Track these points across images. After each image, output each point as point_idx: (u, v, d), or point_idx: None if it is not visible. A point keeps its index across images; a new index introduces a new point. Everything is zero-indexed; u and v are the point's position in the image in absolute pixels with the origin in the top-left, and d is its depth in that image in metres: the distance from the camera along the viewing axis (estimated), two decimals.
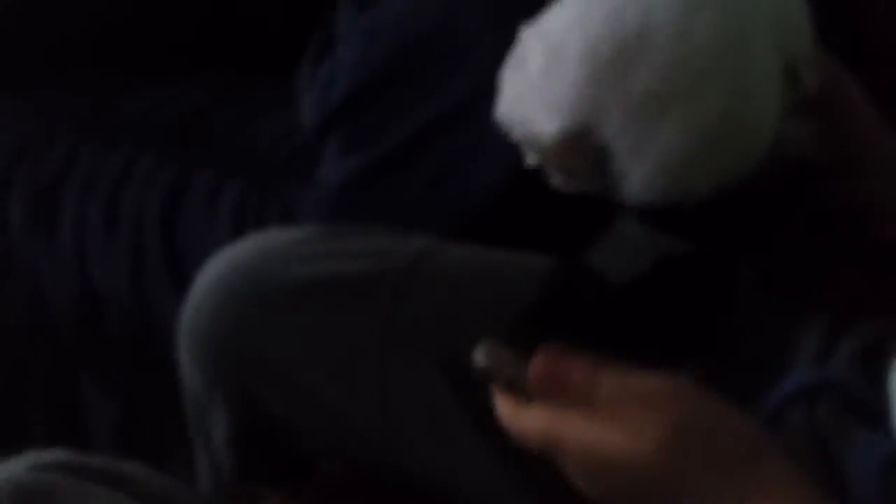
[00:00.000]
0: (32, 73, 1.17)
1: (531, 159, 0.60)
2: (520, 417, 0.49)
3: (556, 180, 0.60)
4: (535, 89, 0.57)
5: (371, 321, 0.64)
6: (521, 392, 0.49)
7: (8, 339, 1.12)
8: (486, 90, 0.76)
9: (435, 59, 0.77)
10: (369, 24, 0.79)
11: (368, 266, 0.65)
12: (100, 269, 1.02)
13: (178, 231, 0.99)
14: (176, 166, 1.01)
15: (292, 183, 0.92)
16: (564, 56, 0.55)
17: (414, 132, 0.78)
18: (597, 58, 0.54)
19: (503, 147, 0.75)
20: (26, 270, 1.08)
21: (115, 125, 1.10)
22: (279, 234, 0.68)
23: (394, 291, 0.65)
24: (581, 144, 0.56)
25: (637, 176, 0.55)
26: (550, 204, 0.71)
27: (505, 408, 0.49)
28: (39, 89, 1.14)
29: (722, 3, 0.55)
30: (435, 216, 0.80)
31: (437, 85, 0.77)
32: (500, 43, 0.75)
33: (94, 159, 1.06)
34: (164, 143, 1.05)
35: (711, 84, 0.53)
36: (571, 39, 0.55)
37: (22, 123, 1.12)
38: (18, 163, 1.09)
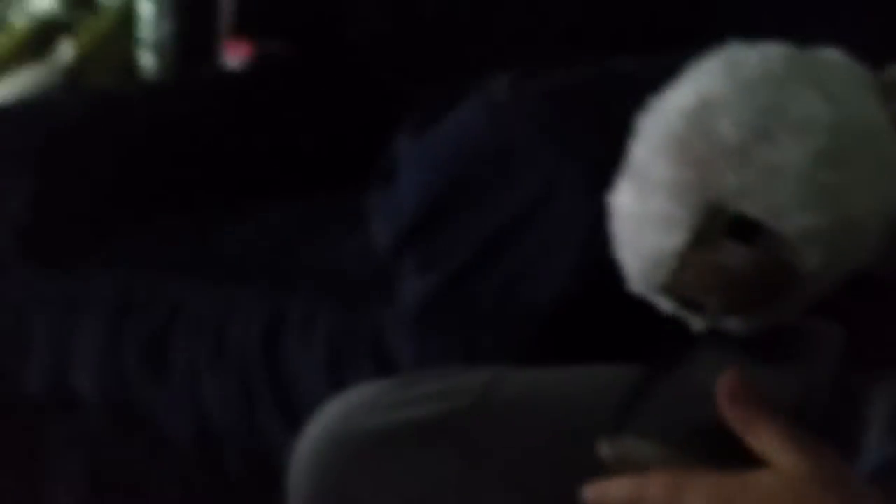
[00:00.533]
0: (126, 223, 1.24)
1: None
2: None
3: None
4: (636, 219, 0.58)
5: (444, 462, 0.67)
6: None
7: (136, 482, 1.18)
8: (542, 199, 0.79)
9: (490, 176, 0.80)
10: (425, 150, 0.83)
11: (438, 409, 0.68)
12: (213, 407, 1.07)
13: (280, 362, 1.03)
14: (271, 299, 1.07)
15: (378, 302, 0.96)
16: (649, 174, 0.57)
17: (480, 247, 0.82)
18: (675, 145, 0.55)
19: (566, 252, 0.78)
20: (146, 416, 1.14)
21: (211, 266, 1.16)
22: (365, 389, 0.73)
23: (462, 430, 0.67)
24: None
25: (791, 221, 0.54)
26: (623, 309, 0.73)
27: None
28: (133, 240, 1.21)
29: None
30: (510, 323, 0.82)
31: (496, 200, 0.80)
32: (548, 152, 0.78)
33: (197, 302, 1.12)
34: (258, 277, 1.11)
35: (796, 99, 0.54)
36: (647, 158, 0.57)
37: (122, 276, 1.18)
38: (126, 314, 1.16)
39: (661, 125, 0.57)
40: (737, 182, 0.53)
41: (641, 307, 0.65)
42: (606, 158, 0.60)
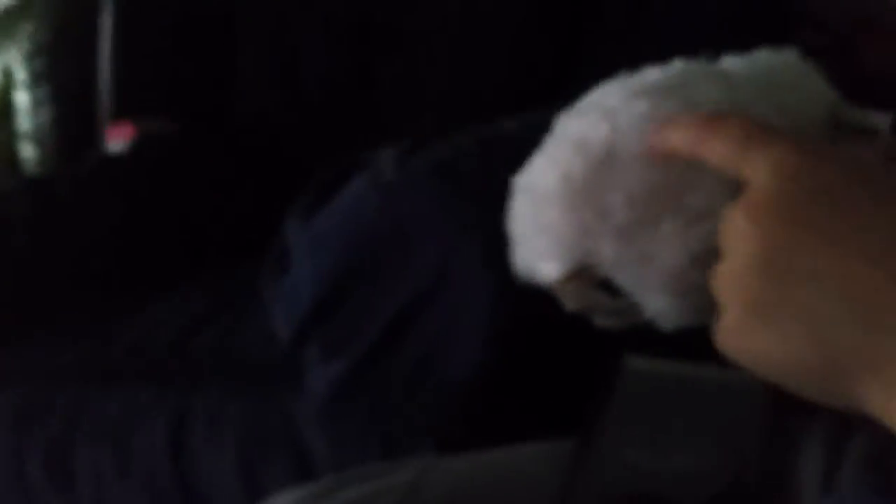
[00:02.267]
0: (18, 327, 1.19)
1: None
2: None
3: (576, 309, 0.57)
4: (527, 238, 0.55)
5: None
6: None
7: None
8: (441, 274, 0.77)
9: (385, 256, 0.78)
10: (317, 234, 0.80)
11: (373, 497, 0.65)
12: None
13: (188, 466, 0.99)
14: (175, 393, 1.02)
15: (286, 391, 0.92)
16: (542, 199, 0.54)
17: (384, 328, 0.79)
18: (570, 194, 0.52)
19: (478, 321, 0.76)
20: None
21: (109, 365, 1.12)
22: (286, 498, 0.69)
23: None
24: (585, 280, 0.55)
25: (651, 304, 0.53)
26: (543, 370, 0.71)
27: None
28: (25, 349, 1.16)
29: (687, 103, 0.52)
30: (426, 403, 0.80)
31: (394, 280, 0.78)
32: (441, 228, 0.76)
33: (98, 403, 1.07)
34: (159, 373, 1.06)
35: (695, 188, 0.51)
36: (546, 181, 0.53)
37: (23, 382, 1.13)
38: (27, 422, 1.10)
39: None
40: (613, 256, 0.51)
41: (559, 362, 0.63)
42: (499, 225, 0.58)
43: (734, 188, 0.49)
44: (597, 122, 0.53)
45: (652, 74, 0.55)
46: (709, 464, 0.67)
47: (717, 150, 0.48)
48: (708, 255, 0.51)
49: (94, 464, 1.04)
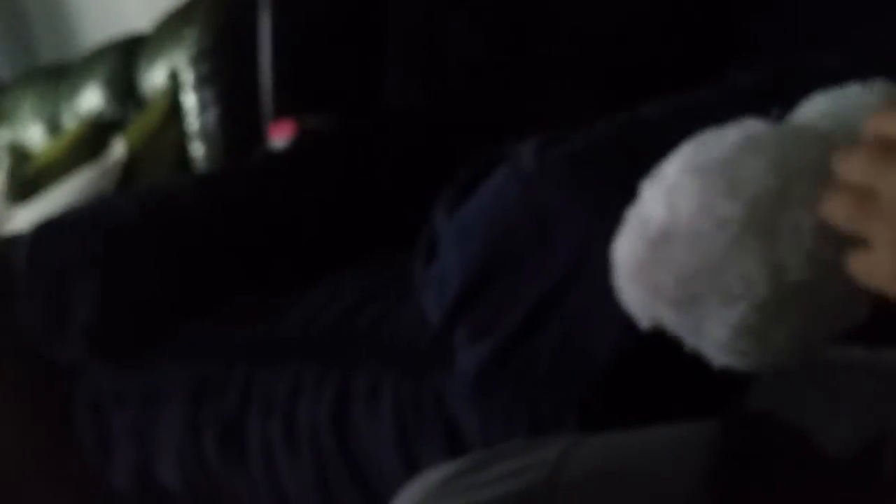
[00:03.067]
0: (191, 312, 1.29)
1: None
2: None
3: None
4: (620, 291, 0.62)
5: None
6: None
7: None
8: (580, 260, 0.81)
9: (526, 244, 0.82)
10: (462, 226, 0.86)
11: (514, 486, 0.69)
12: (290, 486, 1.10)
13: (350, 434, 1.06)
14: (336, 373, 1.10)
15: (438, 371, 0.98)
16: (617, 267, 0.61)
17: (527, 312, 0.84)
18: (633, 269, 0.59)
19: (613, 307, 0.80)
20: (228, 497, 1.17)
21: (276, 345, 1.20)
22: (440, 472, 0.73)
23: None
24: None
25: (716, 361, 0.58)
26: (681, 353, 0.74)
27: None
28: (199, 328, 1.25)
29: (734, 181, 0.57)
30: (568, 383, 0.84)
31: (536, 266, 0.83)
32: (584, 212, 0.80)
33: (267, 382, 1.15)
34: (322, 352, 1.14)
35: (732, 268, 0.55)
36: (619, 252, 0.60)
37: (197, 363, 1.23)
38: (202, 401, 1.20)
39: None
40: (672, 324, 0.58)
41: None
42: None
43: (773, 268, 0.53)
44: (658, 199, 0.58)
45: (721, 141, 0.58)
46: (852, 439, 0.69)
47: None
48: (748, 331, 0.56)
49: (265, 438, 1.13)
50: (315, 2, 1.66)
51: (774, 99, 0.85)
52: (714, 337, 0.57)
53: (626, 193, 0.71)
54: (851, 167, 0.53)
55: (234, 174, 1.49)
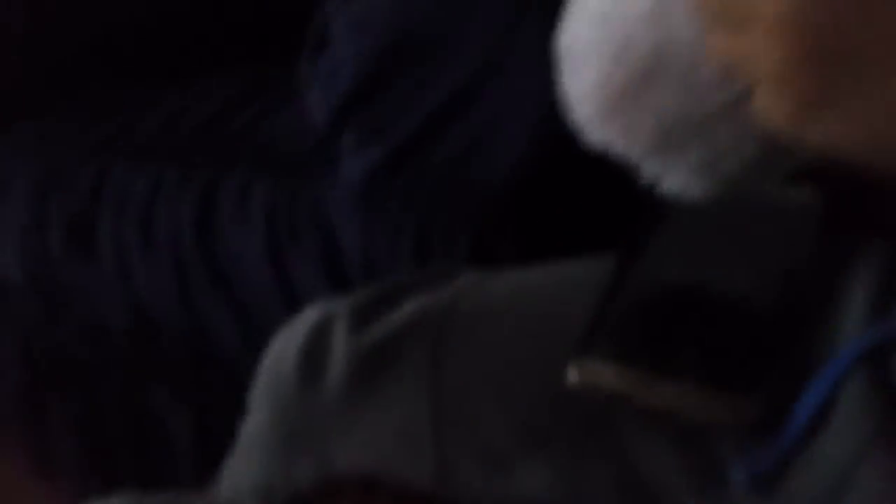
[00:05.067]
0: (44, 99, 1.17)
1: None
2: None
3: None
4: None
5: (415, 380, 0.63)
6: None
7: (70, 364, 1.14)
8: (496, 60, 0.73)
9: (433, 43, 0.74)
10: (358, 15, 0.76)
11: (409, 323, 0.64)
12: (144, 287, 1.02)
13: (214, 238, 0.98)
14: (202, 174, 1.00)
15: (318, 178, 0.90)
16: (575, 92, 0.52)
17: (426, 116, 0.76)
18: (609, 92, 0.50)
19: (526, 118, 0.73)
20: (75, 298, 1.08)
21: (136, 142, 1.10)
22: (332, 307, 0.67)
23: (431, 345, 0.63)
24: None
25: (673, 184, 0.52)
26: (587, 183, 0.68)
27: None
28: (54, 116, 1.14)
29: None
30: (463, 200, 0.78)
31: (440, 68, 0.75)
32: (495, 23, 0.72)
33: (123, 180, 1.05)
34: (187, 153, 1.04)
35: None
36: (579, 83, 0.52)
37: (45, 154, 1.11)
38: (49, 194, 1.09)
39: None
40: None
41: (605, 183, 0.61)
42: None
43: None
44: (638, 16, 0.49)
45: None
46: (754, 281, 0.66)
47: None
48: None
49: (118, 238, 1.04)
50: None
51: None
52: (677, 178, 0.51)
53: None
54: None
55: None
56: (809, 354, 0.56)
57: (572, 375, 0.56)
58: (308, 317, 0.68)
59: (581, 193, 0.72)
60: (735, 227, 0.69)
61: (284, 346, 0.68)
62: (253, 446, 0.68)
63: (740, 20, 0.43)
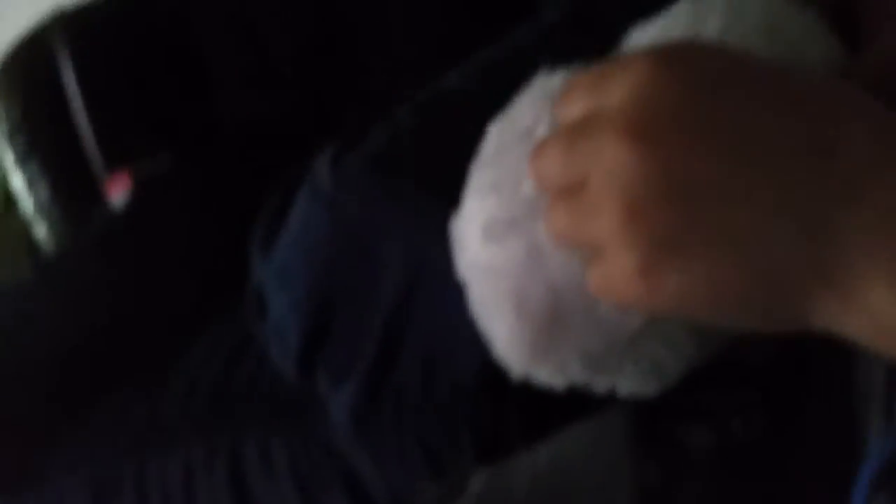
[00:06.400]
0: (72, 414, 1.18)
1: None
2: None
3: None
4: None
5: None
6: None
7: None
8: (415, 269, 0.71)
9: (354, 268, 0.72)
10: (279, 265, 0.75)
11: None
12: None
13: (249, 499, 0.97)
14: (225, 445, 0.99)
15: (321, 420, 0.88)
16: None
17: (381, 338, 0.74)
18: (523, 347, 0.50)
19: (465, 322, 0.70)
20: None
21: (160, 425, 1.10)
22: None
23: None
24: None
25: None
26: None
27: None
28: (83, 430, 1.15)
29: None
30: (447, 400, 0.75)
31: (371, 289, 0.72)
32: (398, 221, 0.70)
33: (158, 472, 1.05)
34: (207, 427, 1.04)
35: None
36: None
37: (88, 471, 1.12)
38: (104, 501, 1.10)
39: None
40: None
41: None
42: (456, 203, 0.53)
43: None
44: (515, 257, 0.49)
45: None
46: None
47: (574, 106, 0.42)
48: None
49: None
50: (116, 43, 1.54)
51: (589, 29, 0.74)
52: (627, 385, 0.49)
53: (443, 189, 0.61)
54: (547, 167, 0.43)
55: (76, 250, 1.37)
56: None
57: None
58: None
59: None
60: None
61: None
62: None
63: (575, 187, 0.41)
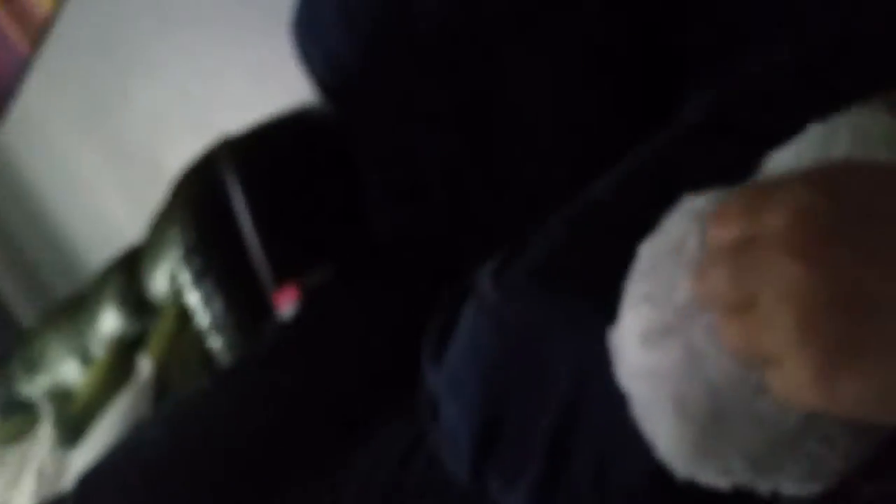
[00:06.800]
0: None
1: None
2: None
3: None
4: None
5: None
6: None
7: None
8: (580, 383, 0.74)
9: (522, 375, 0.75)
10: (450, 374, 0.79)
11: None
12: None
13: None
14: None
15: None
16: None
17: (551, 442, 0.77)
18: (686, 445, 0.54)
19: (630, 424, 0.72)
20: None
21: None
22: None
23: None
24: None
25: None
26: None
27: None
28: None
29: None
30: (621, 497, 0.77)
31: (540, 394, 0.76)
32: (562, 330, 0.74)
33: None
34: None
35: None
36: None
37: None
38: None
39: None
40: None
41: None
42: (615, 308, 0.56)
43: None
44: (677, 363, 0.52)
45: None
46: None
47: (729, 228, 0.45)
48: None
49: None
50: (280, 165, 1.64)
51: (729, 132, 0.77)
52: (790, 487, 0.52)
53: (603, 298, 0.64)
54: (714, 287, 0.46)
55: (248, 365, 1.44)
56: None
57: None
58: None
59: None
60: None
61: None
62: None
63: (745, 304, 0.44)
